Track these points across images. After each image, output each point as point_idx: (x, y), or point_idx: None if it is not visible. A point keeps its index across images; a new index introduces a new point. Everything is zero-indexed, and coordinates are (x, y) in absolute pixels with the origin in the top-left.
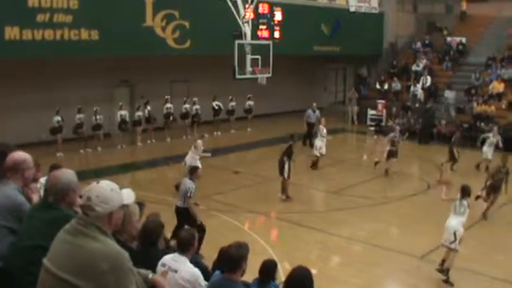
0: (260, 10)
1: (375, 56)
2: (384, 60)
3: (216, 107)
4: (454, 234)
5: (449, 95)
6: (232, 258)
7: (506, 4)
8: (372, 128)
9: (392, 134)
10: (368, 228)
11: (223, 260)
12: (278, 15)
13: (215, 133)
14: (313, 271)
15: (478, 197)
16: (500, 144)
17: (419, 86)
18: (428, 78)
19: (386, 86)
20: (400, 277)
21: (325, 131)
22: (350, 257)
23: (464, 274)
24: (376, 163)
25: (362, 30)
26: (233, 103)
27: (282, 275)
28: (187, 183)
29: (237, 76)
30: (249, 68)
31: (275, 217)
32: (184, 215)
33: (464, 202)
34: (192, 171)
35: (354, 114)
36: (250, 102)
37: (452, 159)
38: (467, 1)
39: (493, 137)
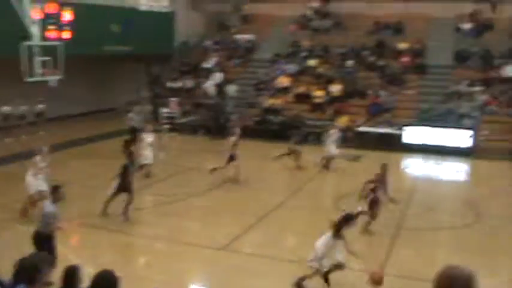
0: (48, 10)
1: (167, 54)
2: (176, 58)
3: (6, 112)
4: (316, 253)
5: (230, 89)
6: (27, 270)
7: (287, 4)
8: (166, 126)
9: (234, 138)
10: (170, 225)
11: (20, 273)
12: (67, 15)
13: (5, 139)
14: (119, 273)
15: (358, 214)
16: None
17: (210, 82)
18: (219, 74)
19: (179, 84)
20: (203, 269)
21: (150, 138)
22: (154, 256)
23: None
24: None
25: (153, 29)
26: (24, 107)
27: (87, 281)
28: (48, 207)
29: (27, 79)
30: (38, 70)
31: (76, 223)
32: (46, 243)
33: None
34: (54, 191)
35: (147, 113)
36: (41, 106)
37: (295, 154)
38: (252, 1)
39: (335, 132)
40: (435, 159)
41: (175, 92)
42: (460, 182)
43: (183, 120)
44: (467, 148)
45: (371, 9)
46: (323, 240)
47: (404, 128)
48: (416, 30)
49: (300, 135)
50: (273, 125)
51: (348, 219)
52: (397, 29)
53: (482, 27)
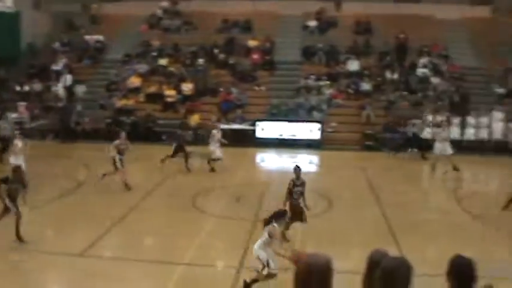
0: None
1: (13, 57)
2: (23, 60)
3: None
4: (259, 259)
5: (78, 90)
6: None
7: (137, 3)
8: (17, 132)
9: (117, 141)
10: (24, 233)
11: None
12: None
13: None
14: None
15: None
16: (224, 140)
17: (60, 85)
18: (69, 76)
19: (27, 88)
20: (61, 278)
21: (20, 145)
22: (9, 267)
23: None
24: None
25: None
26: None
27: None
28: None
29: None
30: None
31: None
32: None
33: (269, 227)
34: None
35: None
36: None
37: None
38: (101, 1)
39: (217, 133)
40: (288, 152)
41: (23, 95)
42: (311, 173)
43: (32, 124)
44: (317, 140)
45: (219, 7)
46: (260, 243)
47: (257, 123)
48: (265, 28)
49: (182, 136)
50: (125, 126)
51: (278, 216)
52: (246, 27)
53: (327, 25)
